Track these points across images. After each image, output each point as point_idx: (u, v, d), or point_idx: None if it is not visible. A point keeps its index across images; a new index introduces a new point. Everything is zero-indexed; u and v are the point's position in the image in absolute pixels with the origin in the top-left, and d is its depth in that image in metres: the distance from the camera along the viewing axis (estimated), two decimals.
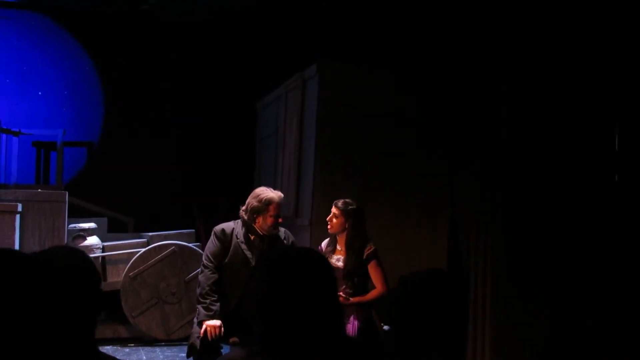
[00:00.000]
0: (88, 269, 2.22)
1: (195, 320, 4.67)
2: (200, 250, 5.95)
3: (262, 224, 4.61)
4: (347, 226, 4.71)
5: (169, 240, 6.83)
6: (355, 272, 4.62)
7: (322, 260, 2.07)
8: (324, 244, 4.94)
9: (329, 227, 4.77)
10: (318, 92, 5.82)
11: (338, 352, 1.95)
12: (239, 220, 4.70)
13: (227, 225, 4.71)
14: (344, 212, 4.69)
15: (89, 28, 8.08)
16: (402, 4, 6.80)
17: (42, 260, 1.82)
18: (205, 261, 4.64)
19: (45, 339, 1.45)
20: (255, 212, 4.60)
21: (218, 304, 4.51)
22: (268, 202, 4.58)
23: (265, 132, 7.59)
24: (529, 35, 5.36)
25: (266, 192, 4.66)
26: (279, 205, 4.62)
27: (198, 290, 4.65)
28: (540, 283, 5.40)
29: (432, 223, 5.95)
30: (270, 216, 4.58)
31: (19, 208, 6.32)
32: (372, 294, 4.63)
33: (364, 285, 4.68)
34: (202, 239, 7.16)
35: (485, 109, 5.64)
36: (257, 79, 7.89)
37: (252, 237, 4.64)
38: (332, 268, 2.09)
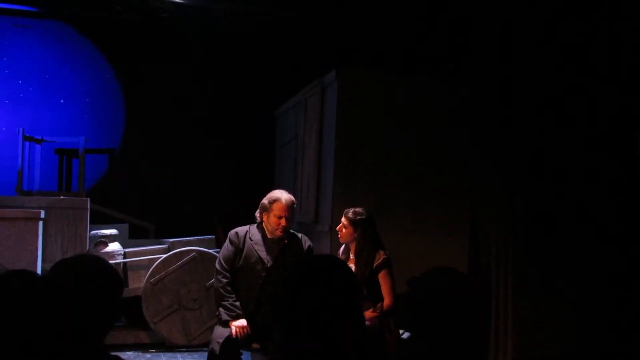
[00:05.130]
0: (111, 278, 2.25)
1: (217, 324, 4.68)
2: None
3: (266, 223, 4.63)
4: (355, 236, 4.70)
5: (189, 246, 6.85)
6: (366, 282, 4.58)
7: (345, 268, 2.07)
8: (340, 251, 4.95)
9: (339, 236, 4.78)
10: (337, 98, 5.82)
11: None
12: (256, 223, 4.74)
13: (242, 229, 4.74)
14: (352, 222, 4.69)
15: (110, 36, 8.16)
16: (420, 8, 6.79)
17: (53, 280, 1.85)
18: (217, 266, 4.67)
19: (55, 345, 1.47)
20: (262, 209, 4.65)
21: (238, 303, 4.52)
22: (273, 200, 4.60)
23: (285, 138, 7.62)
24: (550, 36, 5.33)
25: (277, 193, 4.69)
26: (286, 207, 4.57)
27: (215, 295, 4.68)
28: (563, 286, 5.36)
29: (452, 227, 5.93)
30: (274, 216, 4.57)
31: (42, 215, 6.38)
32: (371, 313, 4.51)
33: (377, 295, 4.64)
34: (222, 245, 7.17)
35: (506, 111, 5.62)
36: (276, 85, 7.91)
37: (266, 239, 4.66)
38: (354, 276, 2.09)
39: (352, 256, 4.76)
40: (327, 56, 7.30)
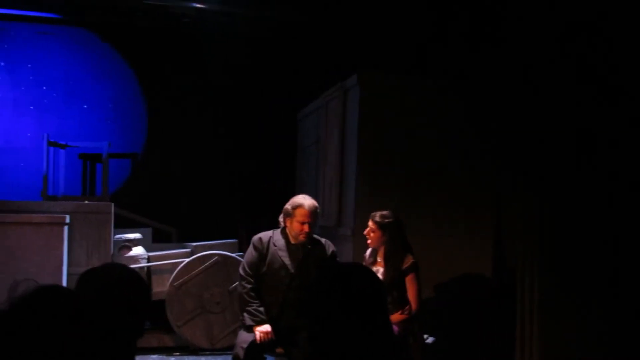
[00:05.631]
0: (138, 287, 2.27)
1: (240, 328, 4.70)
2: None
3: (289, 228, 4.62)
4: (384, 240, 4.67)
5: (212, 250, 6.88)
6: (394, 285, 4.57)
7: (372, 276, 2.07)
8: (367, 254, 4.92)
9: (368, 241, 4.76)
10: (359, 102, 5.82)
11: None
12: (279, 228, 4.74)
13: (265, 234, 4.73)
14: (380, 225, 4.66)
15: (132, 42, 8.24)
16: (442, 11, 6.76)
17: (84, 294, 1.86)
18: (241, 271, 4.67)
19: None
20: (285, 215, 4.63)
21: (262, 308, 4.54)
22: (296, 206, 4.59)
23: (307, 141, 7.62)
24: (576, 39, 5.26)
25: (299, 198, 4.67)
26: (309, 213, 4.55)
27: (239, 301, 4.70)
28: (591, 291, 5.28)
29: (476, 231, 5.89)
30: (297, 222, 4.56)
31: (67, 220, 6.44)
32: (398, 317, 4.54)
33: (404, 298, 4.62)
34: (245, 248, 7.19)
35: (530, 116, 5.56)
36: (298, 88, 7.92)
37: (290, 244, 4.66)
38: (382, 284, 2.09)
39: (379, 259, 4.74)
40: (349, 59, 7.30)
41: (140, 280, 2.31)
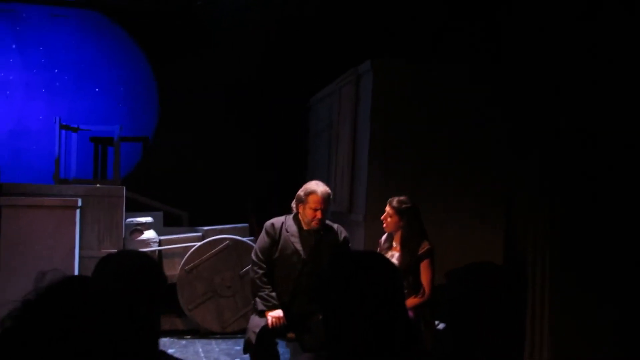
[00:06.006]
0: (156, 274, 2.28)
1: (252, 313, 4.71)
2: (254, 245, 6.03)
3: (302, 215, 4.62)
4: (401, 225, 4.68)
5: (223, 234, 6.91)
6: (410, 270, 4.59)
7: (387, 263, 2.07)
8: (382, 239, 4.93)
9: (384, 225, 4.76)
10: (372, 88, 5.78)
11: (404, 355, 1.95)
12: (292, 214, 4.74)
13: (277, 220, 4.73)
14: (397, 211, 4.67)
15: (144, 26, 8.22)
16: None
17: (106, 285, 1.87)
18: (253, 257, 4.69)
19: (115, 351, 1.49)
20: (298, 201, 4.64)
21: (274, 293, 4.56)
22: (309, 192, 4.58)
23: (319, 127, 7.60)
24: (600, 33, 5.19)
25: (312, 185, 4.66)
26: (322, 200, 4.54)
27: (251, 286, 4.71)
28: (602, 280, 5.26)
29: (488, 219, 5.87)
30: (310, 208, 4.56)
31: (79, 203, 6.47)
32: (413, 301, 4.56)
33: (419, 283, 4.64)
34: (255, 233, 7.22)
35: (545, 106, 5.52)
36: (310, 74, 7.88)
37: (302, 230, 4.66)
38: (397, 270, 2.09)
39: (395, 244, 4.75)
40: (362, 45, 7.24)
41: (155, 267, 2.32)
